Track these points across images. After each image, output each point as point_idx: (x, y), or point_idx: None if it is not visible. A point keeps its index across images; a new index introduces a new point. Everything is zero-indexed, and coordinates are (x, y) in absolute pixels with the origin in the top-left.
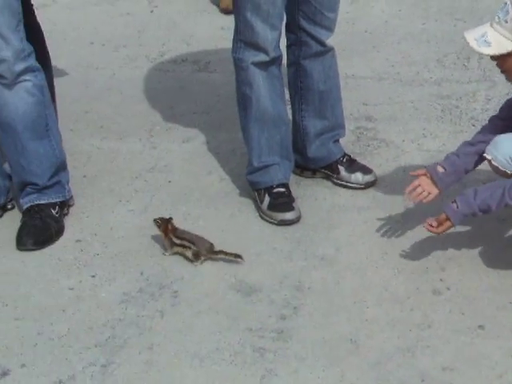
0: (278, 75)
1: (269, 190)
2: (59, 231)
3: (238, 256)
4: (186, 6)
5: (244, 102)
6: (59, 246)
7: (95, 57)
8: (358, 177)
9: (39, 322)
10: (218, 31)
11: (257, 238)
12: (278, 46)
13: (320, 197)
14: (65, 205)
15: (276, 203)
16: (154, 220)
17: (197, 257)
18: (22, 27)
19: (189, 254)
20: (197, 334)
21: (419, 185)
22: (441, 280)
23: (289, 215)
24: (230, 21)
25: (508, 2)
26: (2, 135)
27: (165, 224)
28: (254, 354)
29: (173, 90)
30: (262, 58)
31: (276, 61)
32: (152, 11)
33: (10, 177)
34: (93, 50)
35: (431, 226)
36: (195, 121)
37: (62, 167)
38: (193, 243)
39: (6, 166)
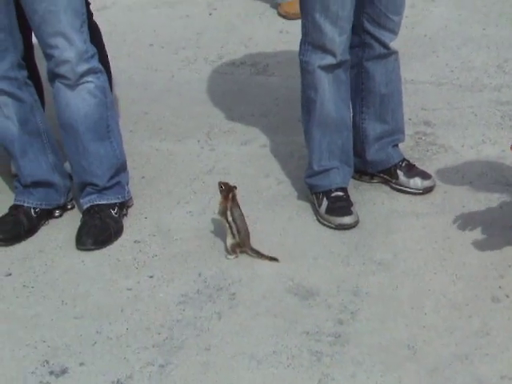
0: (344, 80)
1: (327, 193)
2: (118, 232)
3: (273, 259)
4: (245, 8)
5: (308, 105)
6: (118, 247)
7: (154, 59)
8: (417, 182)
9: (98, 321)
10: (277, 34)
11: (314, 242)
12: (347, 50)
13: (378, 202)
14: (124, 205)
15: (334, 207)
16: (219, 183)
17: (233, 250)
18: (85, 28)
19: (228, 241)
20: (254, 336)
21: None
22: (500, 287)
23: (347, 219)
24: (288, 24)
25: None
26: (63, 136)
27: (227, 191)
28: (311, 358)
29: (231, 93)
30: (329, 61)
31: (343, 65)
32: (211, 14)
33: (70, 177)
34: (152, 52)
35: None
36: (253, 123)
37: (122, 168)
38: (238, 232)
39: (67, 165)
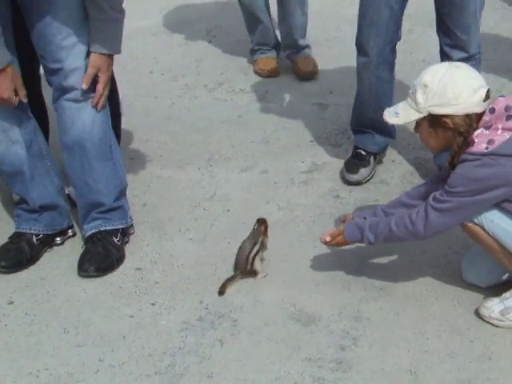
0: (386, 79)
1: (354, 148)
2: (120, 259)
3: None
4: (244, 35)
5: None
6: (120, 274)
7: (154, 86)
8: None
9: (100, 349)
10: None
11: (315, 268)
12: (385, 53)
13: None
14: (126, 233)
15: (348, 162)
16: (259, 220)
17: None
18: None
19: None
20: (256, 363)
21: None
22: None
23: (350, 177)
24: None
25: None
26: (67, 157)
27: (264, 224)
28: None
29: (231, 120)
30: (364, 59)
31: (382, 64)
32: (210, 41)
33: (72, 204)
34: (152, 80)
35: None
36: (253, 150)
37: (123, 193)
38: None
39: (71, 190)
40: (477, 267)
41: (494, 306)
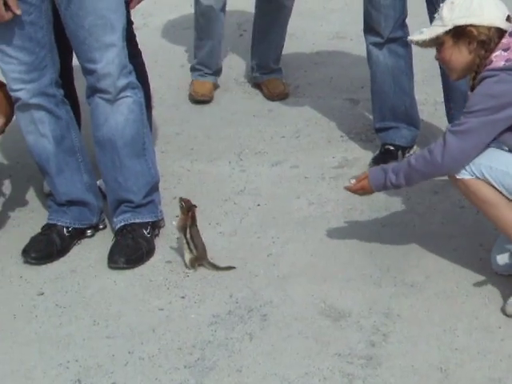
0: (402, 54)
1: (382, 145)
2: (150, 252)
3: (230, 268)
4: None
5: (370, 75)
6: (149, 267)
7: (185, 79)
8: None
9: (130, 341)
10: (307, 56)
11: (346, 264)
12: (396, 29)
13: (410, 224)
14: (156, 226)
15: (377, 157)
16: (180, 199)
17: (192, 264)
18: (125, 44)
19: (186, 256)
20: (286, 357)
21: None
22: None
23: None
24: (318, 46)
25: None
26: (99, 153)
27: (187, 209)
28: (343, 380)
29: (262, 114)
30: (378, 40)
31: (395, 41)
32: (241, 35)
33: (103, 197)
34: (183, 73)
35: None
36: (284, 144)
37: (155, 187)
38: (195, 248)
39: (101, 183)
40: (504, 254)
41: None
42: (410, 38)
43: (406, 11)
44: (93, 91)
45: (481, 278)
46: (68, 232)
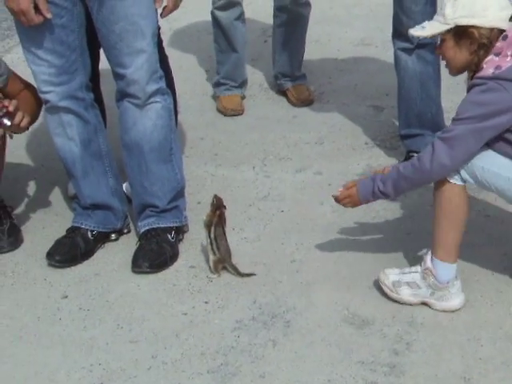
0: (430, 60)
1: (408, 153)
2: (174, 256)
3: (250, 274)
4: None
5: (398, 82)
6: (173, 272)
7: (210, 84)
8: None
9: (153, 346)
10: (332, 63)
11: (370, 271)
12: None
13: None
14: (180, 230)
15: None
16: (214, 195)
17: (216, 267)
18: (157, 49)
19: (210, 258)
20: (309, 364)
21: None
22: None
23: None
24: (344, 53)
25: None
26: (126, 156)
27: (216, 207)
28: None
29: (286, 120)
30: (407, 45)
31: (424, 47)
32: (266, 41)
33: (128, 202)
34: (208, 78)
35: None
36: (308, 151)
37: (181, 193)
38: (218, 249)
39: (127, 187)
40: None
41: (391, 275)
42: (411, 32)
43: None
44: (122, 95)
45: (505, 287)
46: (92, 235)
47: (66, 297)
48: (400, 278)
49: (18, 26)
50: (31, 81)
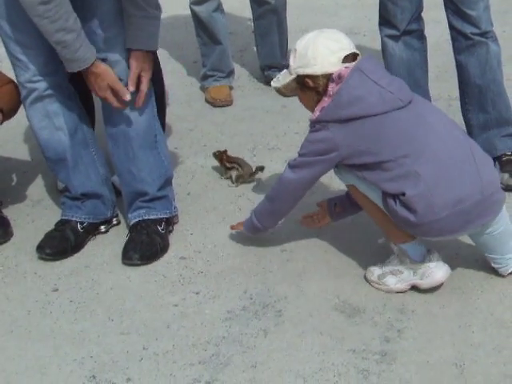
0: (418, 47)
1: None
2: (164, 248)
3: (261, 168)
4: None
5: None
6: (164, 263)
7: (198, 76)
8: (504, 176)
9: (144, 337)
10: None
11: (360, 260)
12: (414, 22)
13: None
14: (170, 222)
15: None
16: (213, 153)
17: (237, 179)
18: None
19: (234, 174)
20: (300, 353)
21: (314, 215)
22: None
23: None
24: None
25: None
26: (112, 146)
27: (221, 154)
28: (358, 376)
29: (275, 110)
30: (394, 32)
31: (411, 33)
32: (253, 31)
33: (117, 193)
34: (196, 69)
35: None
36: (297, 141)
37: (169, 181)
38: (240, 166)
39: (115, 179)
40: None
41: (375, 270)
42: (272, 84)
43: (422, 4)
44: None
45: (496, 273)
46: (82, 228)
47: (57, 290)
48: (383, 270)
49: (1, 19)
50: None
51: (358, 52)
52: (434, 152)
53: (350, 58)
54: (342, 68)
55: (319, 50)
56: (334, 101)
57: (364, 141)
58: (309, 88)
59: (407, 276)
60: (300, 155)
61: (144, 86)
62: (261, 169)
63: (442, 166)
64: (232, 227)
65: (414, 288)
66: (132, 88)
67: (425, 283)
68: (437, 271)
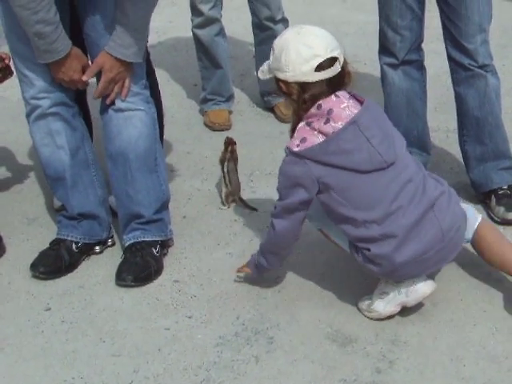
0: (417, 77)
1: None
2: (158, 271)
3: (253, 209)
4: None
5: (384, 98)
6: (157, 286)
7: (198, 99)
8: (500, 210)
9: (135, 360)
10: None
11: (354, 288)
12: (412, 52)
13: None
14: (165, 245)
15: None
16: (226, 136)
17: (227, 199)
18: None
19: (223, 190)
20: (291, 382)
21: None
22: None
23: None
24: None
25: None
26: (111, 166)
27: (228, 143)
28: None
29: (273, 135)
30: (393, 61)
31: (410, 63)
32: (254, 56)
33: (113, 214)
34: (196, 92)
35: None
36: None
37: (165, 205)
38: (230, 183)
39: (112, 199)
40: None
41: (365, 300)
42: (258, 74)
43: (423, 35)
44: (106, 105)
45: (489, 307)
46: (77, 248)
47: (49, 309)
48: (371, 297)
49: (9, 33)
50: (14, 92)
51: (336, 56)
52: (403, 214)
53: (327, 64)
54: (332, 99)
55: (291, 57)
56: (321, 147)
57: (337, 189)
58: (283, 92)
59: (393, 296)
60: (280, 199)
61: (100, 85)
62: (253, 209)
63: (407, 227)
64: (238, 270)
65: (407, 319)
66: (85, 78)
67: (411, 300)
68: (420, 286)
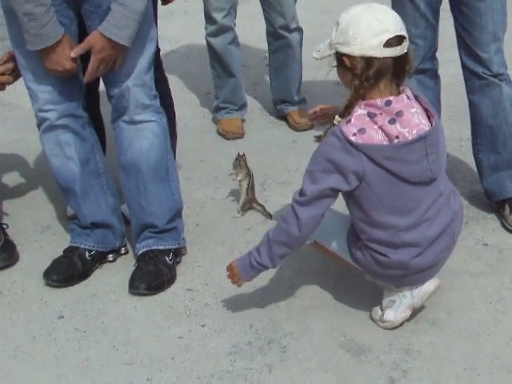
0: (430, 86)
1: None
2: (171, 279)
3: (269, 215)
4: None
5: None
6: (170, 294)
7: (210, 108)
8: None
9: (149, 368)
10: (332, 87)
11: (367, 298)
12: (428, 61)
13: None
14: (178, 253)
15: None
16: (238, 154)
17: (244, 207)
18: (152, 67)
19: (242, 197)
20: None
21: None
22: None
23: None
24: None
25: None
26: (123, 177)
27: (242, 160)
28: None
29: (286, 144)
30: None
31: (424, 72)
32: (267, 65)
33: (126, 222)
34: (209, 101)
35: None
36: None
37: (178, 214)
38: (252, 189)
39: (124, 208)
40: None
41: (378, 310)
42: (313, 54)
43: (437, 44)
44: (116, 114)
45: (503, 316)
46: (90, 256)
47: (62, 317)
48: (381, 307)
49: (16, 46)
50: (27, 100)
51: (404, 35)
52: (429, 226)
53: (395, 42)
54: (403, 99)
55: (361, 29)
56: (385, 150)
57: (378, 190)
58: (346, 67)
59: (399, 302)
60: (307, 175)
61: (90, 66)
62: (269, 215)
63: (431, 239)
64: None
65: (421, 328)
66: (73, 54)
67: (417, 300)
68: (424, 284)
